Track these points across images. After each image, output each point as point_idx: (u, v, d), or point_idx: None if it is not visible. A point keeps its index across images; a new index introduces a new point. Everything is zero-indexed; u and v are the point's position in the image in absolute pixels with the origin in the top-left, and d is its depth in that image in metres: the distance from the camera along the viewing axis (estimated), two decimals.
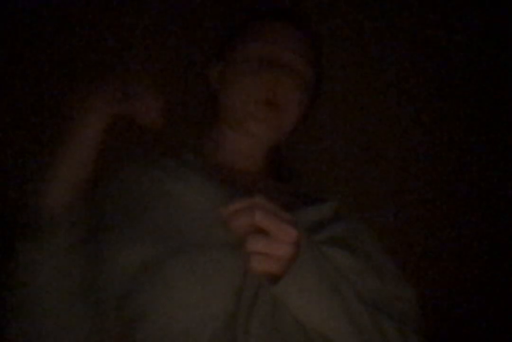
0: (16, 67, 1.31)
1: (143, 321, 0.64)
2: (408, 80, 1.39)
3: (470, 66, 1.36)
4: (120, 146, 1.17)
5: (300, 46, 0.83)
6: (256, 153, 0.84)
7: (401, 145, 1.49)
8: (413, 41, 1.33)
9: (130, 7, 1.18)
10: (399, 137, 1.48)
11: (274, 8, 0.90)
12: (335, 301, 0.62)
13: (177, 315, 0.63)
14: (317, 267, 0.61)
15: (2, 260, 0.71)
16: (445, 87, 1.40)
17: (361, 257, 0.72)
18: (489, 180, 1.51)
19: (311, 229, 0.71)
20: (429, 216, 1.60)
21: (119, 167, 0.79)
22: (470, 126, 1.45)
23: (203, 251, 0.65)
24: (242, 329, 0.62)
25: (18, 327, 0.67)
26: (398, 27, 1.33)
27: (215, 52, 0.89)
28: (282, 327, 0.63)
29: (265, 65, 0.78)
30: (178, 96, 1.32)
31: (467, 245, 1.63)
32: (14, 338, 0.67)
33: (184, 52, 1.23)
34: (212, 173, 0.77)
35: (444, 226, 1.61)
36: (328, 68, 1.28)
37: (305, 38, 0.85)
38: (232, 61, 0.83)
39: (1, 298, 0.69)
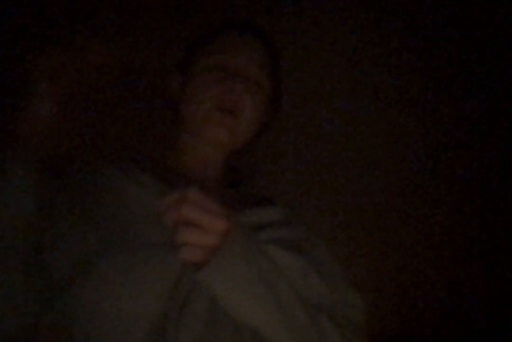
0: None
1: (77, 314, 0.65)
2: (404, 82, 1.39)
3: (467, 66, 1.35)
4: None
5: (258, 57, 0.86)
6: (214, 160, 0.87)
7: (396, 146, 1.49)
8: (407, 39, 1.33)
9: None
10: (394, 137, 1.48)
11: (234, 20, 0.94)
12: (266, 293, 0.62)
13: (109, 311, 0.64)
14: (247, 258, 0.62)
15: None
16: (442, 88, 1.40)
17: (308, 261, 0.73)
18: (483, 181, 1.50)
19: (253, 229, 0.72)
20: (424, 217, 1.61)
21: (79, 163, 0.79)
22: (468, 126, 1.44)
23: (140, 248, 0.67)
24: (173, 326, 0.63)
25: None
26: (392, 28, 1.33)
27: (175, 64, 0.93)
28: (216, 324, 0.64)
29: (223, 74, 0.82)
30: (139, 105, 1.35)
31: (465, 246, 1.63)
32: None
33: (147, 62, 1.25)
34: (167, 176, 0.80)
35: (443, 227, 1.61)
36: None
37: (264, 50, 0.88)
38: (192, 72, 0.86)
39: None
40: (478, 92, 1.35)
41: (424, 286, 1.72)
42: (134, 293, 0.64)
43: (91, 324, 0.64)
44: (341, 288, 0.75)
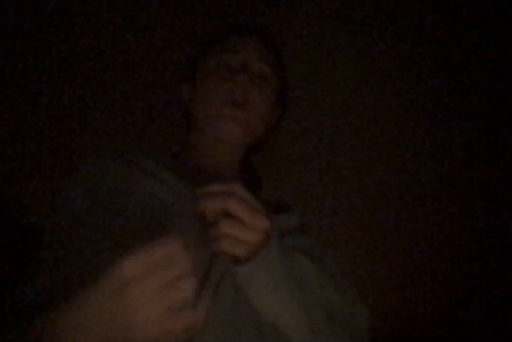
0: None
1: None
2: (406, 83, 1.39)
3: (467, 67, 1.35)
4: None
5: (260, 53, 0.89)
6: (230, 160, 0.88)
7: (397, 146, 1.50)
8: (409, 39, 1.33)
9: None
10: (397, 136, 1.49)
11: (234, 23, 1.00)
12: (297, 293, 0.64)
13: None
14: (284, 259, 0.64)
15: None
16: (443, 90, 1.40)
17: (323, 270, 0.74)
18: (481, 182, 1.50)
19: (279, 235, 0.72)
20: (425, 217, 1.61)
21: (100, 166, 0.78)
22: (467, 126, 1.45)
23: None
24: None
25: None
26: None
27: (186, 66, 0.96)
28: (239, 321, 0.65)
29: (233, 72, 0.85)
30: (159, 105, 1.37)
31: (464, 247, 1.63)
32: None
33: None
34: (185, 173, 0.81)
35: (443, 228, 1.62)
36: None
37: (270, 49, 0.92)
38: (202, 72, 0.89)
39: None
40: (484, 90, 1.36)
41: (424, 287, 1.73)
42: None
43: None
44: (350, 300, 0.77)
